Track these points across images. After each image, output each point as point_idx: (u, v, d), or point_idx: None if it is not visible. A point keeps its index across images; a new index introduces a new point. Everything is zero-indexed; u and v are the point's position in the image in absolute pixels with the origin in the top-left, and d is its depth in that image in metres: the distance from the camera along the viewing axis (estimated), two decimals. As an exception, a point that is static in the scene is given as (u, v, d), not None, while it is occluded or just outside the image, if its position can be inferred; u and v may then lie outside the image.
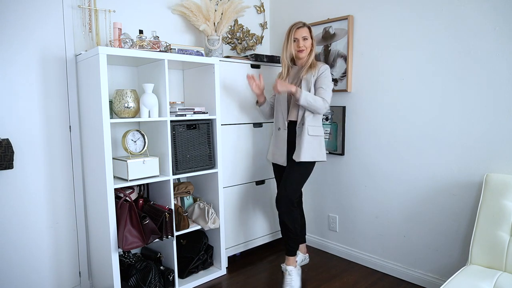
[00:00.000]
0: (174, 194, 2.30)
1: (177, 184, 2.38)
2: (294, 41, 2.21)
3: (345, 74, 2.49)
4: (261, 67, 2.64)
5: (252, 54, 2.58)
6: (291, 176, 2.18)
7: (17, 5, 1.87)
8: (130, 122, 2.24)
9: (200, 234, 2.38)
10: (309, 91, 2.13)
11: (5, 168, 1.79)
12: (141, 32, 2.05)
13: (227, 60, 2.44)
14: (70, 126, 2.10)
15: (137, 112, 2.04)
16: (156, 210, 2.05)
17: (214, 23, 2.47)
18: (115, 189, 1.93)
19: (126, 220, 1.91)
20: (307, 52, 2.23)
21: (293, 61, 2.30)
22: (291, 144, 2.21)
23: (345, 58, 2.48)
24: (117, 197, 1.96)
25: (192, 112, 2.22)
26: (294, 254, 2.23)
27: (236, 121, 2.53)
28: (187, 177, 2.54)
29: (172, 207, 2.10)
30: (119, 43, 1.97)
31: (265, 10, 3.05)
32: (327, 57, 2.59)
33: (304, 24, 2.21)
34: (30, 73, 1.94)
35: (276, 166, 2.37)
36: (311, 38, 2.23)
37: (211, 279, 2.34)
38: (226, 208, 2.49)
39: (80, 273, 2.18)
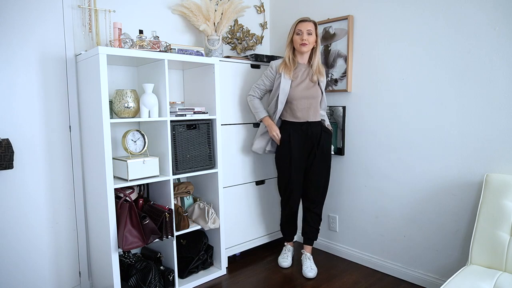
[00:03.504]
0: (174, 194, 2.30)
1: (177, 184, 2.38)
2: (298, 34, 2.22)
3: (345, 74, 2.49)
4: (261, 67, 2.64)
5: (252, 54, 2.58)
6: None
7: (17, 5, 1.87)
8: (130, 122, 2.24)
9: (200, 234, 2.38)
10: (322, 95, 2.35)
11: (5, 168, 1.79)
12: (141, 32, 2.05)
13: (227, 60, 2.44)
14: (70, 126, 2.10)
15: (137, 112, 2.04)
16: (156, 210, 2.05)
17: (214, 23, 2.47)
18: (115, 189, 1.93)
19: (126, 220, 1.91)
20: (309, 48, 2.25)
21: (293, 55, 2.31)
22: None
23: (345, 58, 2.48)
24: (117, 197, 1.96)
25: (192, 112, 2.22)
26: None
27: (236, 121, 2.53)
28: (187, 177, 2.54)
29: (172, 207, 2.10)
30: (119, 43, 1.97)
31: (265, 10, 3.05)
32: (327, 57, 2.59)
33: (310, 19, 2.23)
34: (30, 73, 1.94)
35: None
36: (316, 35, 2.25)
37: (211, 279, 2.34)
38: (226, 208, 2.49)
39: (80, 273, 2.18)
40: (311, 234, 2.46)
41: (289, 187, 2.37)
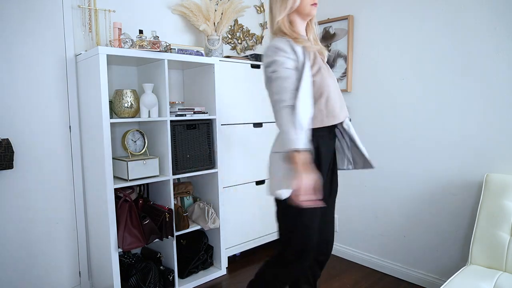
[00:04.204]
0: (174, 194, 2.30)
1: (177, 184, 2.38)
2: None
3: (345, 74, 2.49)
4: (261, 67, 2.63)
5: (252, 54, 2.58)
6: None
7: (17, 5, 1.87)
8: (130, 122, 2.24)
9: (200, 234, 2.38)
10: None
11: (5, 168, 1.79)
12: (141, 32, 2.05)
13: (227, 60, 2.44)
14: (70, 126, 2.09)
15: (137, 112, 2.04)
16: (156, 210, 2.05)
17: (214, 23, 2.47)
18: (115, 189, 1.93)
19: (126, 220, 1.91)
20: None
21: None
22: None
23: (345, 58, 2.48)
24: (117, 197, 1.96)
25: (192, 112, 2.22)
26: None
27: (236, 121, 2.53)
28: (187, 177, 2.54)
29: (172, 207, 2.10)
30: (119, 43, 1.97)
31: (265, 10, 3.05)
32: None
33: None
34: (30, 73, 1.94)
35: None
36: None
37: (211, 279, 2.34)
38: (226, 208, 2.49)
39: (80, 273, 2.18)
40: None
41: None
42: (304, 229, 1.42)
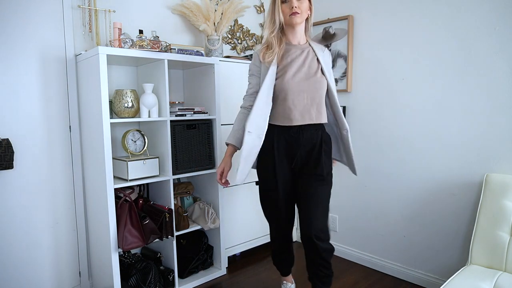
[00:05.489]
0: (174, 194, 2.30)
1: (177, 184, 2.38)
2: (284, 1, 1.64)
3: (345, 74, 2.49)
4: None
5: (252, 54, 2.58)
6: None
7: (17, 5, 1.87)
8: (130, 122, 2.24)
9: (200, 234, 2.38)
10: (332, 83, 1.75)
11: (5, 168, 1.79)
12: (141, 32, 2.05)
13: (227, 60, 2.44)
14: (70, 126, 2.10)
15: (137, 112, 2.04)
16: (156, 210, 2.05)
17: (214, 23, 2.47)
18: (115, 189, 1.93)
19: (126, 220, 1.91)
20: (303, 18, 1.68)
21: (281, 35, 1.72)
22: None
23: (345, 58, 2.48)
24: (117, 197, 1.96)
25: (192, 112, 2.22)
26: None
27: (236, 121, 2.53)
28: (187, 177, 2.54)
29: (172, 207, 2.10)
30: (119, 43, 1.97)
31: (265, 10, 3.04)
32: (327, 57, 2.59)
33: None
34: (30, 73, 1.94)
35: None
36: (309, 0, 1.69)
37: (211, 279, 2.34)
38: (226, 208, 2.49)
39: (80, 273, 2.18)
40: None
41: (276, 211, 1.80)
42: (261, 202, 1.86)
